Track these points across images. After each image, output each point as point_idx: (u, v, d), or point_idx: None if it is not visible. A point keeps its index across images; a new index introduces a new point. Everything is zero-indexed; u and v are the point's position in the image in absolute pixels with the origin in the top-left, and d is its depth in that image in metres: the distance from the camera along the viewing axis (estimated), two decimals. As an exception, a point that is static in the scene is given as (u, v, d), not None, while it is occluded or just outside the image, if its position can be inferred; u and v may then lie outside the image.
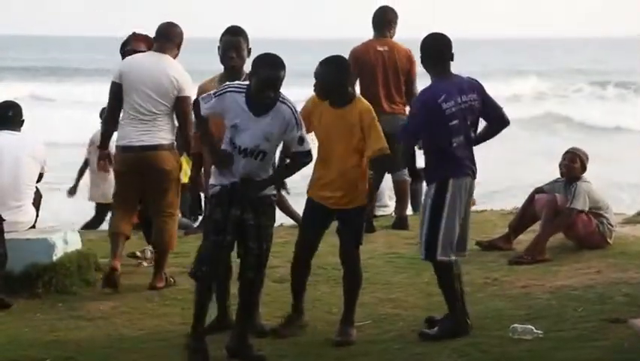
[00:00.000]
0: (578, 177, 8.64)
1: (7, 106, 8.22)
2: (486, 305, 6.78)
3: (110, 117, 7.77)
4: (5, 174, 7.80)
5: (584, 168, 8.72)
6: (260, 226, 5.92)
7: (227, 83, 6.00)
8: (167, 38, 7.69)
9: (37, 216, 8.15)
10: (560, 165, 8.81)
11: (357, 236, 6.46)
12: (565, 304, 6.87)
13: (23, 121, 8.18)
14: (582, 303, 6.84)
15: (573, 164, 8.70)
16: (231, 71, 6.55)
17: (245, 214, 5.87)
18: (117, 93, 7.62)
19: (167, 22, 7.81)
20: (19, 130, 8.08)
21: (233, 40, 6.56)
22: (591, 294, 7.07)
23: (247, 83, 5.88)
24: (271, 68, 5.77)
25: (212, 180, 5.99)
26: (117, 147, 7.68)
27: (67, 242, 7.91)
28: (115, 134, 7.83)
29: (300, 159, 6.00)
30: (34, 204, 8.05)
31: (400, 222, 9.76)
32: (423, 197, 6.40)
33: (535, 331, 6.15)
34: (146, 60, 7.68)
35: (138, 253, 8.58)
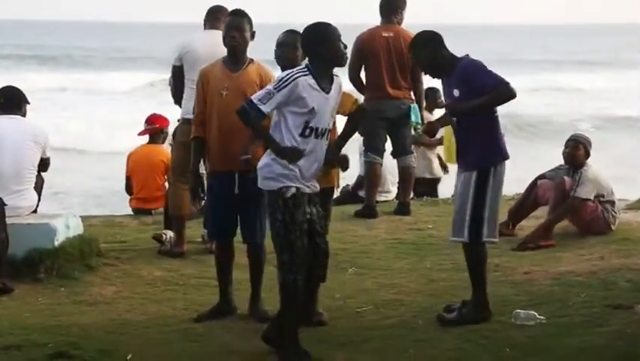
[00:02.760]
0: (581, 164, 8.62)
1: (6, 91, 8.19)
2: (489, 291, 6.73)
3: (178, 98, 8.22)
4: (6, 158, 7.78)
5: (587, 155, 8.70)
6: (320, 218, 5.80)
7: (288, 71, 5.71)
8: (217, 17, 8.11)
9: (39, 200, 8.14)
10: (562, 153, 8.78)
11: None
12: (568, 290, 6.86)
13: (26, 105, 8.15)
14: (585, 289, 6.83)
15: (576, 151, 8.68)
16: (233, 51, 6.50)
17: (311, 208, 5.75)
18: (179, 75, 8.10)
19: (217, 5, 8.29)
20: (20, 114, 8.06)
21: (236, 20, 6.54)
22: (594, 280, 7.07)
23: (304, 65, 5.73)
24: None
25: (283, 182, 5.63)
26: (182, 119, 8.01)
27: (69, 227, 7.91)
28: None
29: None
30: (36, 188, 8.04)
31: (402, 208, 9.76)
32: (460, 181, 6.31)
33: (538, 317, 6.14)
34: (201, 38, 8.12)
35: (163, 236, 8.45)
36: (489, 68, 6.21)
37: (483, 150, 6.19)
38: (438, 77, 6.37)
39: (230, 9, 6.84)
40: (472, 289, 6.30)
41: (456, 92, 6.18)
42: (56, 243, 7.67)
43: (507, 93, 6.11)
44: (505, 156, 6.27)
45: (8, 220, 7.45)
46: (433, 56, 6.24)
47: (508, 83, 6.13)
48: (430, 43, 6.26)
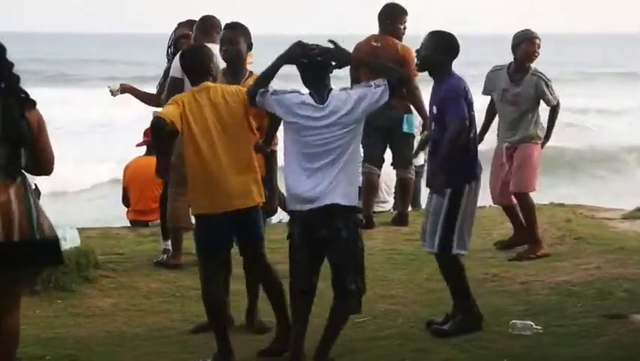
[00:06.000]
0: None
1: None
2: (485, 301, 6.76)
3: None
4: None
5: None
6: None
7: None
8: (210, 32, 8.10)
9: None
10: None
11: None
12: (564, 299, 6.87)
13: None
14: (582, 299, 6.84)
15: None
16: (228, 64, 6.54)
17: None
18: (179, 87, 7.77)
19: (208, 15, 8.25)
20: None
21: (229, 33, 6.57)
22: (591, 290, 7.07)
23: None
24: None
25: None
26: None
27: (65, 239, 7.87)
28: None
29: None
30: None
31: (400, 218, 9.75)
32: (434, 198, 6.33)
33: (534, 327, 6.15)
34: None
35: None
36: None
37: (459, 165, 6.16)
38: (420, 72, 6.37)
39: (226, 21, 6.85)
40: (453, 301, 6.31)
41: (434, 109, 6.24)
42: (53, 255, 7.65)
43: (458, 128, 6.06)
44: (478, 173, 6.27)
45: (5, 233, 7.44)
46: (434, 56, 6.21)
47: (464, 119, 6.07)
48: (442, 43, 6.24)
